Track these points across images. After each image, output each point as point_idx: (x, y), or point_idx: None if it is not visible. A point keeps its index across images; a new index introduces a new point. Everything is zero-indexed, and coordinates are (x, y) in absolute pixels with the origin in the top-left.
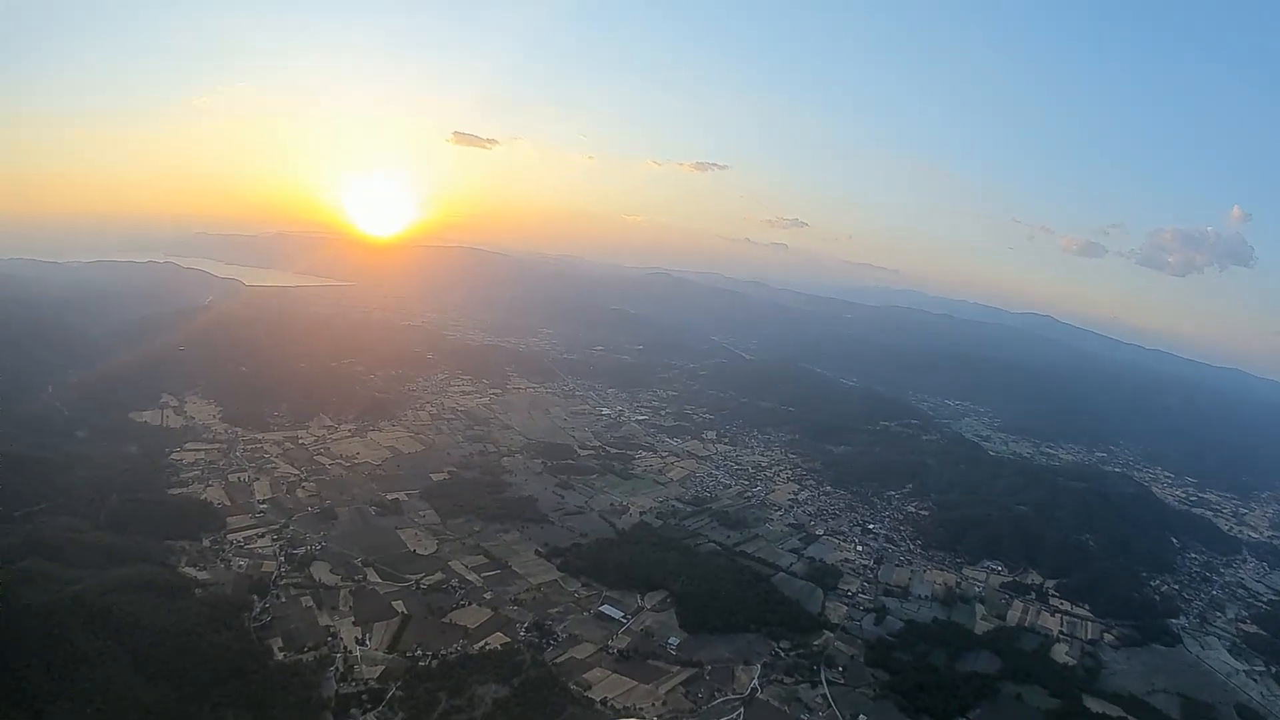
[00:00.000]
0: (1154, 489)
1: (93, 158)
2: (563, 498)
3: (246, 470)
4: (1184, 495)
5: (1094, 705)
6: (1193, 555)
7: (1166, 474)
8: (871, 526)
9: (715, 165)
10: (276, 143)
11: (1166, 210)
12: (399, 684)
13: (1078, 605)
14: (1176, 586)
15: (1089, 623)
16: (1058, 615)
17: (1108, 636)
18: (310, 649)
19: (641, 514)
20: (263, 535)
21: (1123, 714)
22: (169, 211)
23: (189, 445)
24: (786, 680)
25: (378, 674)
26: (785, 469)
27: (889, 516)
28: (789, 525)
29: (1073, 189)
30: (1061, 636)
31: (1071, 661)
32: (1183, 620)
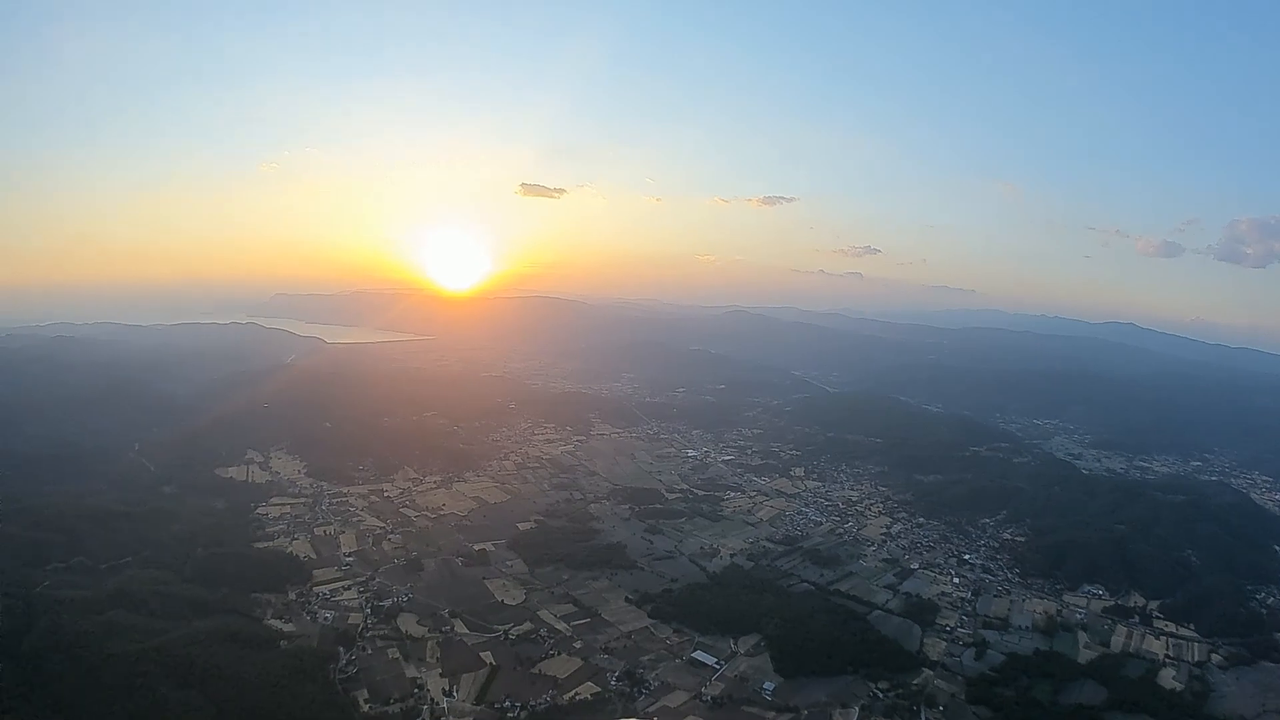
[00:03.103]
0: (1253, 496)
1: (172, 226)
2: (651, 543)
3: (332, 523)
4: None
5: None
6: None
7: (1264, 478)
8: (967, 557)
9: (782, 198)
10: (349, 203)
11: (1241, 199)
12: None
13: (1183, 626)
14: None
15: (1195, 644)
16: (1163, 638)
17: (1215, 657)
18: (396, 701)
19: (732, 556)
20: (349, 588)
21: None
22: (249, 275)
23: (274, 500)
24: None
25: None
26: (876, 502)
27: (984, 545)
28: (883, 560)
29: (1143, 188)
30: (1168, 660)
31: (1179, 686)
32: None
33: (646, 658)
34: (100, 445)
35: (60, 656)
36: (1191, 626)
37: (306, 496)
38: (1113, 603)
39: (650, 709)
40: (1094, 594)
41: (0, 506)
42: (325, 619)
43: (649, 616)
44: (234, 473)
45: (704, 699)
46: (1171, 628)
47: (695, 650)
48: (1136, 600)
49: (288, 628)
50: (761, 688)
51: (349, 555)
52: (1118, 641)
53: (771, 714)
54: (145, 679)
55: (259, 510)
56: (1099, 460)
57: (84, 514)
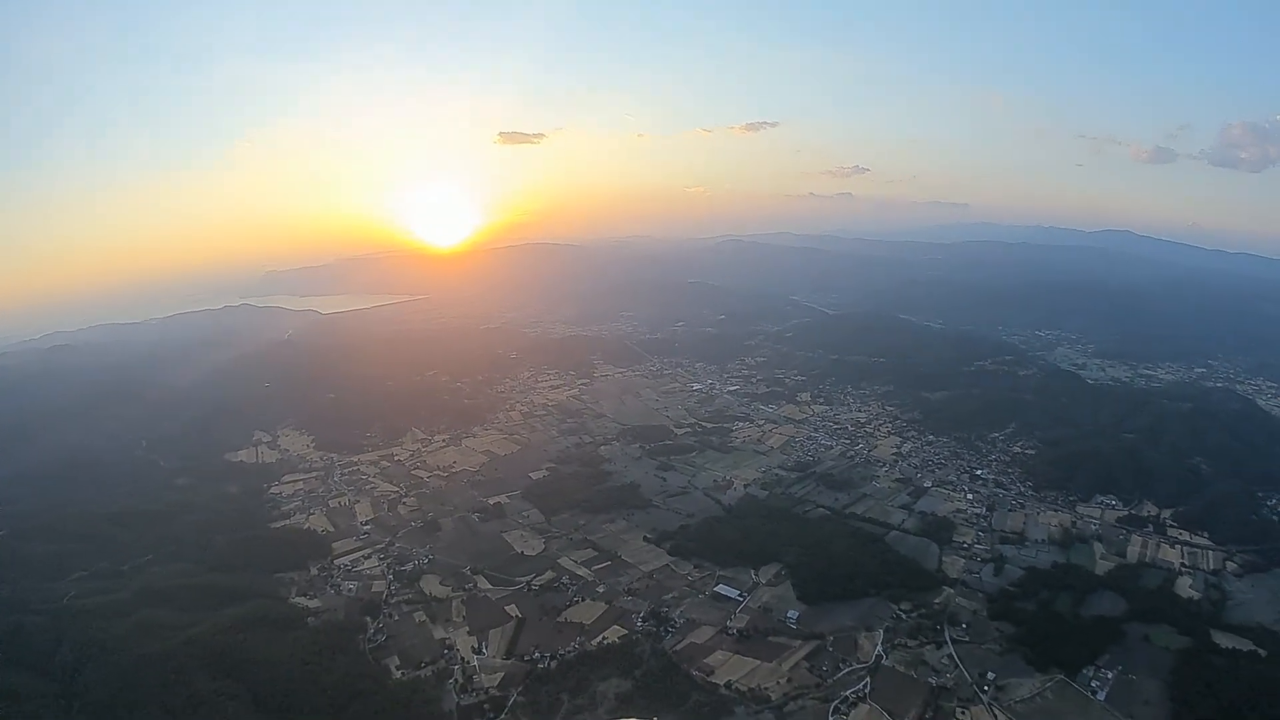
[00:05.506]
0: (1259, 401)
1: (155, 217)
2: (665, 480)
3: (346, 494)
4: None
5: (1224, 640)
6: None
7: (1269, 384)
8: (979, 472)
9: (766, 123)
10: (330, 172)
11: (1234, 103)
12: (520, 689)
13: (1197, 534)
14: None
15: (1210, 551)
16: (1178, 546)
17: (1230, 565)
18: (427, 664)
19: (746, 487)
20: (369, 556)
21: (1254, 647)
22: (237, 256)
23: (287, 478)
24: (910, 644)
25: (497, 681)
26: (885, 422)
27: (995, 460)
28: (896, 480)
29: (1134, 93)
30: (1184, 569)
31: (1196, 595)
32: None
33: (670, 596)
34: (109, 448)
35: (93, 665)
36: (1205, 534)
37: (318, 470)
38: (1126, 512)
39: (677, 647)
40: (1107, 504)
41: (19, 524)
42: (349, 590)
43: (669, 554)
44: (244, 456)
45: (730, 632)
46: (1185, 536)
47: (717, 584)
48: (1149, 509)
49: (313, 604)
50: (786, 616)
51: (366, 524)
52: (1133, 551)
53: (798, 642)
54: (179, 674)
55: (272, 490)
56: (1103, 370)
57: (101, 519)
